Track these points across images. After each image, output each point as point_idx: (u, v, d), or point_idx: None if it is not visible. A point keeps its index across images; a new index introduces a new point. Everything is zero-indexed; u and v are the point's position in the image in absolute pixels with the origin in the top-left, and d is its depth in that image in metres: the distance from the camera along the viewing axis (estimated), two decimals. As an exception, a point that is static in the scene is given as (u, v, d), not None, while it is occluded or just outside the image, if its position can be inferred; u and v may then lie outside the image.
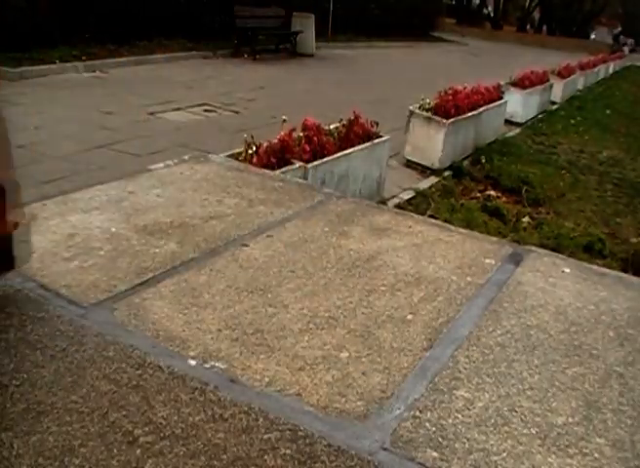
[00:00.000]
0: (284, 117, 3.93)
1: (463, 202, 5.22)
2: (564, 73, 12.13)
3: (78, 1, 9.54)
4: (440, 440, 1.12)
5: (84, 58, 9.25)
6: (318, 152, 3.89)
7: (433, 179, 5.72)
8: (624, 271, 3.47)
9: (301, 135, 3.93)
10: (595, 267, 2.03)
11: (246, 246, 1.82)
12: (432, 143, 5.85)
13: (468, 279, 1.74)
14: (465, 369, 1.33)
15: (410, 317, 1.51)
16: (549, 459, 1.09)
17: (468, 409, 1.20)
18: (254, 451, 1.05)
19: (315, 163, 3.78)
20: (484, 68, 13.83)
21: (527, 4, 40.66)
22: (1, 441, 1.02)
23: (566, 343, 1.47)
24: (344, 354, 1.34)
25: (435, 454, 1.08)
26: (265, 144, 3.65)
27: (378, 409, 1.18)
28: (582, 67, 14.54)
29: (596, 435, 1.17)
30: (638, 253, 4.53)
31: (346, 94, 8.79)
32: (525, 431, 1.16)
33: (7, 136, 1.37)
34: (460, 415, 1.18)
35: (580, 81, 14.26)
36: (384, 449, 1.09)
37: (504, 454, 1.10)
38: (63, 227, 1.84)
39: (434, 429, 1.14)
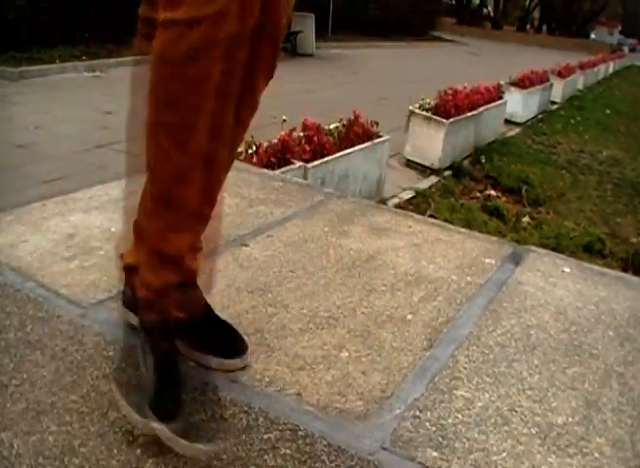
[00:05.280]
0: (284, 117, 3.93)
1: (463, 202, 5.23)
2: (564, 73, 12.13)
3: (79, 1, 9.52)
4: (440, 439, 1.12)
5: (84, 58, 9.25)
6: (318, 152, 3.89)
7: (433, 179, 5.72)
8: (624, 271, 3.47)
9: (301, 135, 3.93)
10: (595, 267, 2.03)
11: (246, 246, 1.82)
12: (432, 143, 5.86)
13: (468, 278, 1.74)
14: (465, 368, 1.33)
15: (410, 317, 1.51)
16: (549, 459, 1.09)
17: (468, 409, 1.20)
18: (254, 451, 1.05)
19: (315, 163, 3.79)
20: (484, 68, 13.84)
21: (527, 4, 40.66)
22: (1, 440, 1.02)
23: (566, 343, 1.47)
24: (344, 354, 1.34)
25: (435, 454, 1.08)
26: (265, 144, 3.65)
27: (378, 408, 1.18)
28: (582, 67, 14.54)
29: (596, 434, 1.17)
30: (638, 252, 4.54)
31: (346, 93, 8.80)
32: (525, 431, 1.16)
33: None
34: (459, 415, 1.18)
35: (579, 81, 14.27)
36: (384, 449, 1.09)
37: (504, 454, 1.10)
38: (63, 227, 1.84)
39: (434, 429, 1.14)
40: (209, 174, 1.17)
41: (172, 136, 1.07)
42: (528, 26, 41.66)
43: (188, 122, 1.05)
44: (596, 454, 1.12)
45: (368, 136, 4.48)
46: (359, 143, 4.34)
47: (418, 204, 4.92)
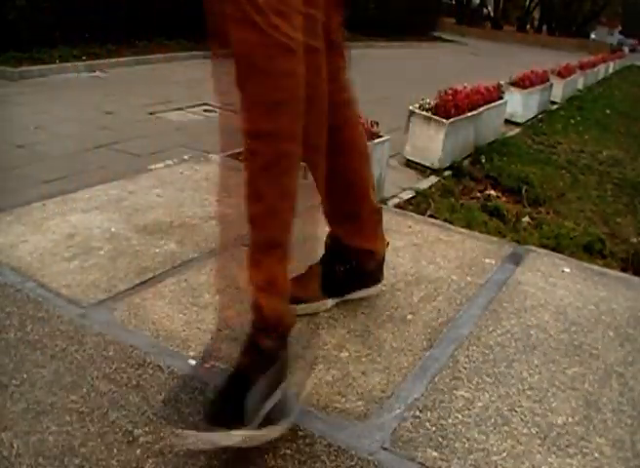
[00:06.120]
0: (284, 117, 3.92)
1: (463, 202, 5.22)
2: (564, 73, 12.12)
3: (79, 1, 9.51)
4: (440, 439, 1.12)
5: (84, 58, 9.24)
6: (318, 152, 3.88)
7: (433, 179, 5.71)
8: (624, 271, 3.47)
9: (301, 134, 3.92)
10: (595, 267, 2.03)
11: (246, 246, 1.82)
12: (432, 143, 5.85)
13: (468, 279, 1.74)
14: (465, 368, 1.33)
15: (410, 317, 1.51)
16: (549, 459, 1.09)
17: (468, 409, 1.20)
18: (254, 451, 1.05)
19: (315, 163, 3.77)
20: (484, 68, 13.83)
21: (527, 4, 40.62)
22: (1, 440, 1.02)
23: (566, 343, 1.47)
24: (344, 354, 1.34)
25: (435, 454, 1.08)
26: (265, 144, 3.64)
27: (378, 408, 1.18)
28: (582, 67, 14.53)
29: (596, 435, 1.17)
30: (638, 252, 4.53)
31: (346, 93, 8.76)
32: (525, 431, 1.16)
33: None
34: (459, 415, 1.18)
35: (580, 81, 14.25)
36: (384, 449, 1.09)
37: (504, 454, 1.10)
38: (63, 227, 1.85)
39: (434, 429, 1.14)
40: None
41: None
42: (528, 26, 41.62)
43: None
44: (596, 454, 1.12)
45: (368, 135, 4.48)
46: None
47: (418, 204, 4.91)
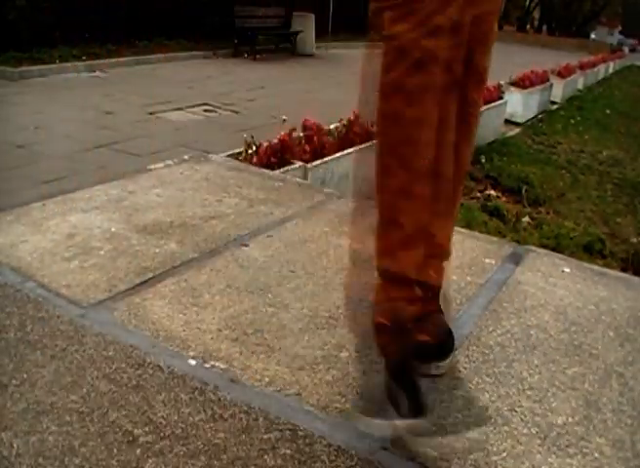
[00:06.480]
0: (284, 117, 3.93)
1: (463, 202, 5.22)
2: (564, 73, 12.13)
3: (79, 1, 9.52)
4: (440, 439, 1.12)
5: (84, 58, 9.25)
6: (318, 152, 3.89)
7: (433, 179, 5.72)
8: (624, 271, 3.47)
9: (301, 135, 3.93)
10: (595, 267, 2.03)
11: (246, 246, 1.82)
12: (432, 143, 5.85)
13: (468, 278, 1.74)
14: (465, 368, 1.33)
15: (410, 317, 1.51)
16: (549, 459, 1.09)
17: (468, 409, 1.20)
18: (254, 451, 1.05)
19: (315, 163, 3.78)
20: (484, 68, 13.80)
21: (527, 4, 40.60)
22: (1, 440, 1.02)
23: (566, 343, 1.47)
24: (344, 354, 1.34)
25: (435, 454, 1.08)
26: (265, 144, 3.65)
27: (378, 408, 1.18)
28: (582, 67, 14.53)
29: (596, 435, 1.17)
30: (638, 252, 4.53)
31: (346, 93, 8.80)
32: (525, 431, 1.16)
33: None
34: (459, 415, 1.18)
35: (579, 81, 14.25)
36: (384, 449, 1.09)
37: (504, 454, 1.10)
38: (63, 227, 1.85)
39: (434, 428, 1.14)
40: (435, 187, 1.12)
41: (394, 151, 1.08)
42: (528, 26, 41.61)
43: (410, 136, 1.06)
44: (596, 454, 1.12)
45: (368, 136, 4.48)
46: (359, 143, 4.34)
47: (418, 204, 4.90)
